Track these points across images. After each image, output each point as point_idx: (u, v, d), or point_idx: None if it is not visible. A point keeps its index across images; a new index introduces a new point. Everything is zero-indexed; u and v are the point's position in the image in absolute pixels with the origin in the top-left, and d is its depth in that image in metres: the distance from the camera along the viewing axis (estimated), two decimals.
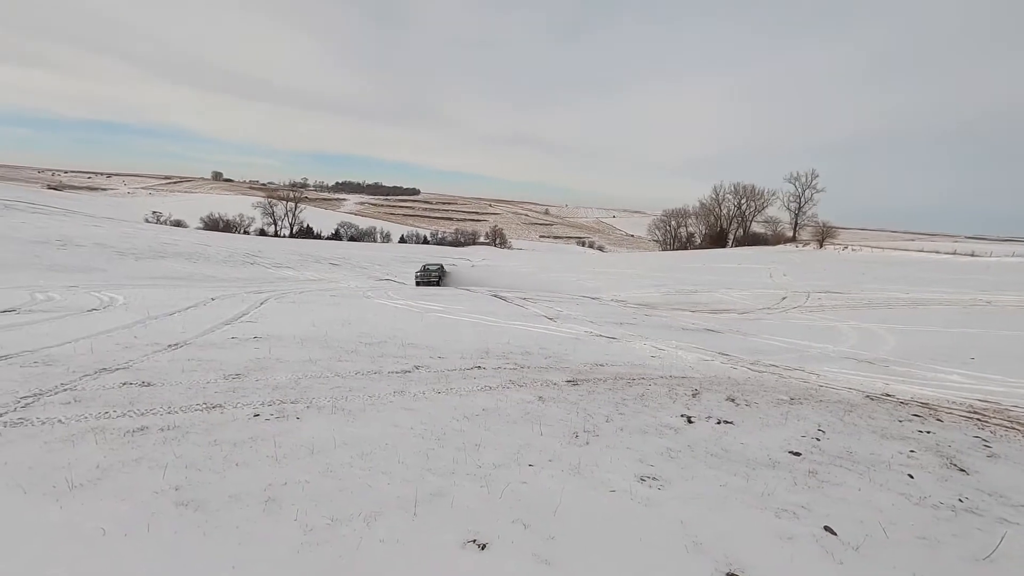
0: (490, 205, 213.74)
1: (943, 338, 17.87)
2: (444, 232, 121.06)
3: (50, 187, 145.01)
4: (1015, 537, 4.34)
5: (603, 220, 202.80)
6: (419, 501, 3.95)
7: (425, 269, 32.79)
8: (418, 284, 30.75)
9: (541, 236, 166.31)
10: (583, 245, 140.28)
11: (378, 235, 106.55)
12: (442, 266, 34.44)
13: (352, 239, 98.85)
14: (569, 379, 8.29)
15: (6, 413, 5.43)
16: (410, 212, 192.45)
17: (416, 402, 6.48)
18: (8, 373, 6.96)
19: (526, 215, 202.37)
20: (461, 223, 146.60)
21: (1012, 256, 56.00)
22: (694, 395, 7.89)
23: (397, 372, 8.07)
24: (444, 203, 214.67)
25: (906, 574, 3.69)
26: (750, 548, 3.73)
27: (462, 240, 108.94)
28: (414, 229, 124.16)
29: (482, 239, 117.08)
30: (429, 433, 5.41)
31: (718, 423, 6.58)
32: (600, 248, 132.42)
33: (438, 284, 31.29)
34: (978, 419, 8.25)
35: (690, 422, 6.52)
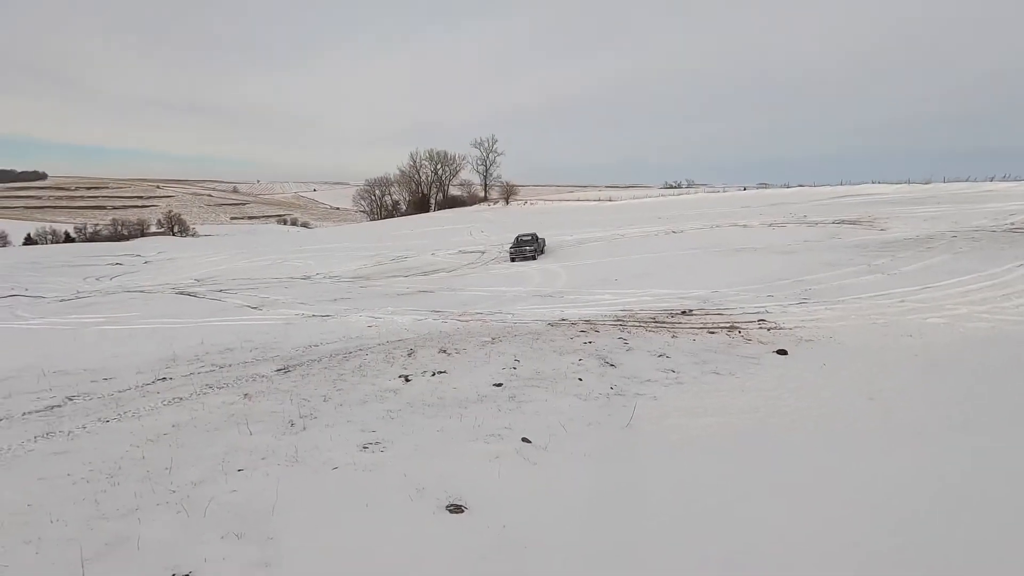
0: (158, 187, 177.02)
1: (597, 268, 22.65)
2: (97, 224, 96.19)
3: None
4: (643, 404, 5.88)
5: (303, 195, 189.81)
6: (91, 553, 3.16)
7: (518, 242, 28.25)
8: (513, 260, 27.05)
9: (233, 218, 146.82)
10: (284, 223, 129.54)
11: None
12: (535, 235, 29.03)
13: None
14: (280, 368, 7.69)
15: None
16: (36, 203, 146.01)
17: (72, 441, 5.11)
18: None
19: (209, 195, 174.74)
20: (120, 211, 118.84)
21: (633, 199, 74.02)
22: (410, 354, 8.24)
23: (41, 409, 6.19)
24: (90, 187, 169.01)
25: (580, 455, 4.64)
26: (466, 477, 4.14)
27: (126, 232, 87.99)
28: (47, 224, 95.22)
29: (154, 228, 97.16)
30: (96, 474, 4.34)
31: (433, 375, 7.02)
32: (305, 224, 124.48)
33: (534, 257, 26.93)
34: (620, 325, 10.79)
35: (408, 381, 6.80)
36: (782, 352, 8.14)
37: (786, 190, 62.43)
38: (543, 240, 29.32)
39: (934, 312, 10.81)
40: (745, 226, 30.49)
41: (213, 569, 3.06)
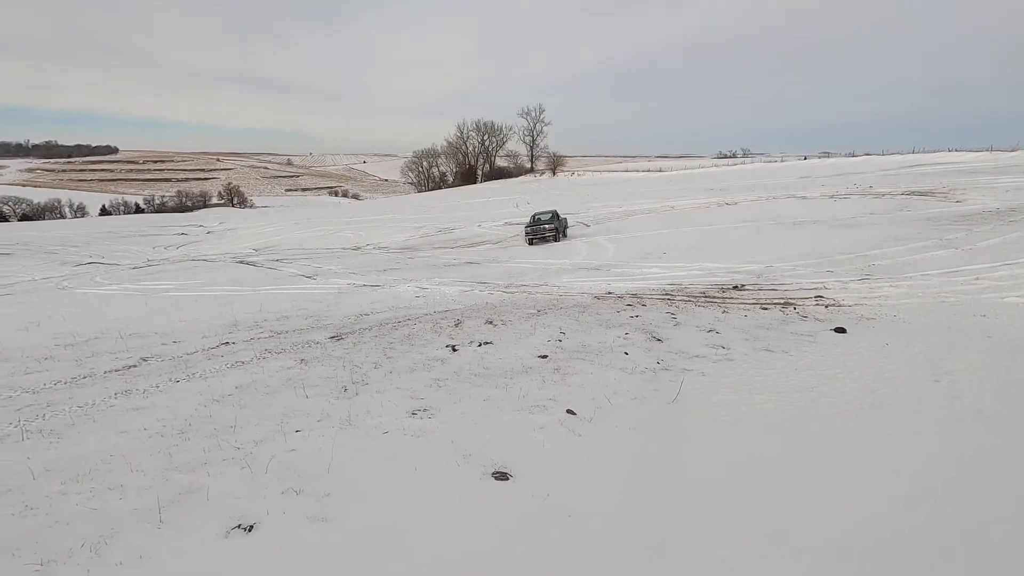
0: (218, 160, 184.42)
1: (646, 241, 22.17)
2: (163, 196, 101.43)
3: None
4: (690, 379, 5.79)
5: (353, 167, 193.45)
6: (167, 501, 3.45)
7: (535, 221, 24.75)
8: (531, 243, 23.93)
9: (287, 190, 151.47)
10: (336, 195, 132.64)
11: (66, 209, 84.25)
12: (555, 212, 25.47)
13: (25, 218, 76.19)
14: (333, 335, 7.99)
15: None
16: (109, 176, 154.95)
17: (147, 399, 5.52)
18: None
19: (265, 168, 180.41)
20: (183, 183, 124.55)
21: (685, 170, 71.56)
22: (457, 325, 8.37)
23: (118, 369, 6.71)
24: (156, 160, 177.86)
25: (626, 429, 4.64)
26: (511, 446, 4.22)
27: (190, 204, 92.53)
28: (119, 196, 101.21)
29: (215, 200, 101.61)
30: (169, 429, 4.69)
31: (479, 345, 7.13)
32: (355, 196, 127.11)
33: (555, 239, 23.79)
34: (668, 299, 10.59)
35: (455, 350, 6.93)
36: (840, 330, 7.79)
37: (851, 159, 58.90)
38: (565, 219, 25.75)
39: (1013, 291, 10.05)
40: (804, 198, 29.01)
41: (275, 521, 3.27)
